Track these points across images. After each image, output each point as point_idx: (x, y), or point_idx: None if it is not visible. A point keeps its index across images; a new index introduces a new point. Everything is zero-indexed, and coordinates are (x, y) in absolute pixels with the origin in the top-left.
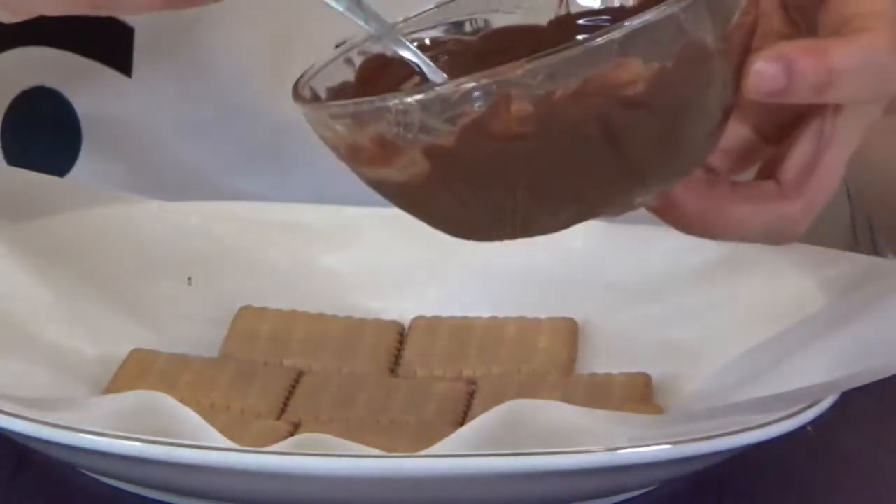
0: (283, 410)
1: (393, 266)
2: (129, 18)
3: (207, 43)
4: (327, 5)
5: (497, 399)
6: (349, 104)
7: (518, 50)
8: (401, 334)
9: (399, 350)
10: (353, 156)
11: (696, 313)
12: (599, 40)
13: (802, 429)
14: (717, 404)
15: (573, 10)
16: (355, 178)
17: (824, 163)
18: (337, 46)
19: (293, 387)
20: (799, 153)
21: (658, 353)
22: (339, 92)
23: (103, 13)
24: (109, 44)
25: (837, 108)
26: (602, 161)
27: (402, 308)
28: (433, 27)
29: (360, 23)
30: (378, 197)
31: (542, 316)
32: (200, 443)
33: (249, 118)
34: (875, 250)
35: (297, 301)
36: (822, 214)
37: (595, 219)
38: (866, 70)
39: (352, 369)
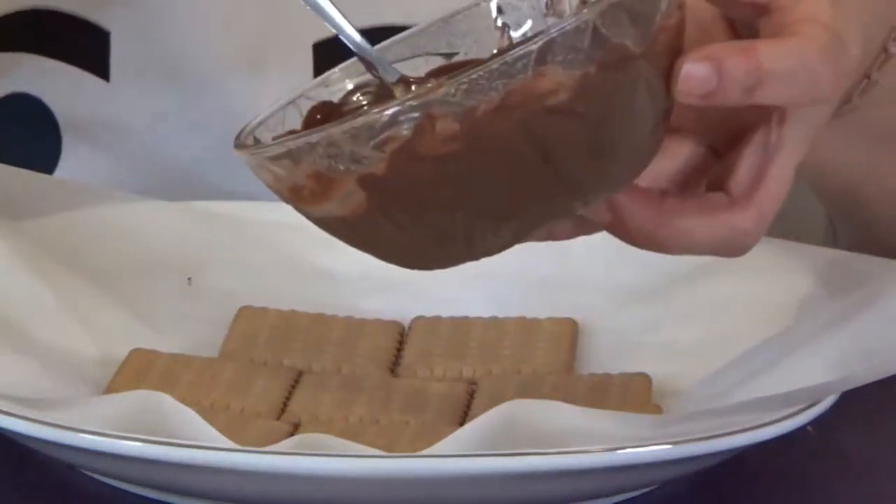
0: (283, 410)
1: (393, 266)
2: (105, 22)
3: (182, 45)
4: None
5: (497, 399)
6: (281, 143)
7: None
8: (401, 334)
9: (399, 350)
10: (295, 196)
11: (696, 313)
12: (515, 52)
13: (802, 429)
14: (717, 404)
15: (514, 40)
16: None
17: (772, 172)
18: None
19: (293, 387)
20: (746, 163)
21: (658, 353)
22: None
23: None
24: (86, 48)
25: (782, 116)
26: (535, 173)
27: (402, 308)
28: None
29: (327, 22)
30: None
31: (542, 316)
32: (200, 443)
33: (229, 120)
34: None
35: (297, 301)
36: (800, 215)
37: (541, 233)
38: (796, 71)
39: (352, 369)
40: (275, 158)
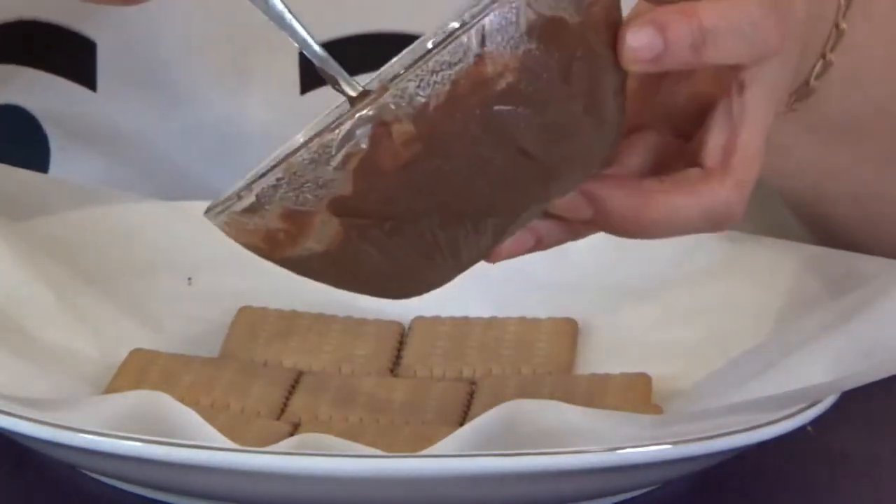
0: (283, 410)
1: None
2: (91, 33)
3: (168, 54)
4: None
5: (497, 399)
6: (243, 187)
7: None
8: (401, 334)
9: (399, 350)
10: (273, 245)
11: (696, 313)
12: (450, 40)
13: (802, 429)
14: (717, 404)
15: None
16: None
17: (742, 138)
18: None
19: (293, 387)
20: (715, 135)
21: (658, 353)
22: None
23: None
24: (73, 58)
25: (741, 84)
26: (500, 161)
27: (402, 308)
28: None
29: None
30: None
31: (542, 316)
32: (200, 443)
33: (216, 128)
34: None
35: (297, 301)
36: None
37: (522, 228)
38: (738, 25)
39: (352, 369)
40: (247, 210)
